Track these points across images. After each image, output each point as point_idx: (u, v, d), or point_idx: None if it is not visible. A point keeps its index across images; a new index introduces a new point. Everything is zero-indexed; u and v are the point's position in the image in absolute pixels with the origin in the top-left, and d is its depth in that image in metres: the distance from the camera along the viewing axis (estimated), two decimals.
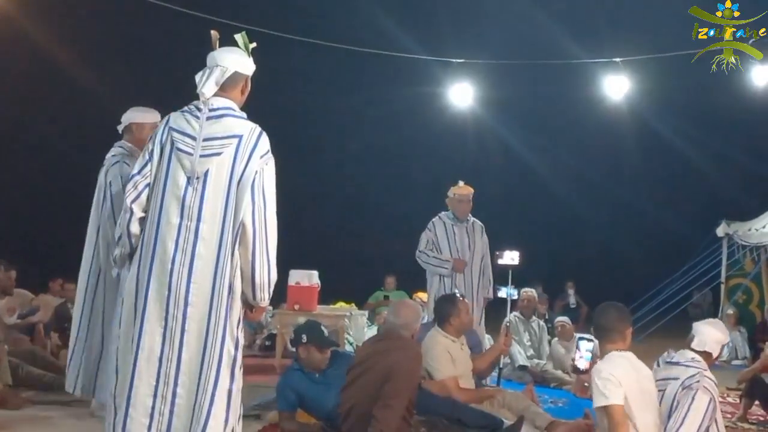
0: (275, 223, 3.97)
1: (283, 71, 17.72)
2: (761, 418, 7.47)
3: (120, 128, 6.10)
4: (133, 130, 6.02)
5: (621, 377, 4.28)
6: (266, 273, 3.93)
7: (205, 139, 3.92)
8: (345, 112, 20.24)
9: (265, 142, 3.98)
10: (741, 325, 12.71)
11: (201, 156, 3.90)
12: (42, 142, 17.66)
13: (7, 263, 7.97)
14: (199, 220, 3.86)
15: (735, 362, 11.78)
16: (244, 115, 4.07)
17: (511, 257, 7.60)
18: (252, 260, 3.88)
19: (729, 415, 7.35)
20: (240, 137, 3.93)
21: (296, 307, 9.09)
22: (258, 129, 4.00)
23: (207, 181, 3.88)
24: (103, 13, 15.85)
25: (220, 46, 4.13)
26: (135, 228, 3.97)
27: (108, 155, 5.98)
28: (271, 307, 11.60)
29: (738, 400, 7.87)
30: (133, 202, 3.95)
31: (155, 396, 3.80)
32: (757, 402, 7.50)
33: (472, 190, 8.26)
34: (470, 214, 8.26)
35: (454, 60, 11.92)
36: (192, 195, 3.88)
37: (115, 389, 3.89)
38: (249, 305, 4.03)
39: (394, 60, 13.48)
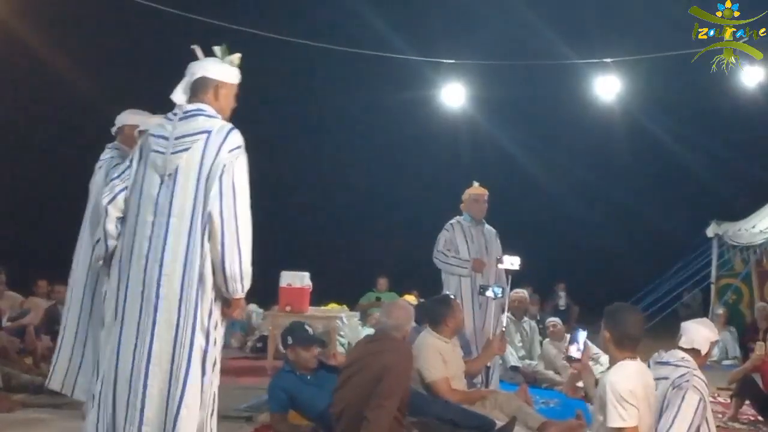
0: (247, 215, 4.00)
1: (274, 73, 17.72)
2: (752, 418, 7.51)
3: (113, 130, 6.11)
4: (125, 131, 6.03)
5: (637, 393, 4.22)
6: (237, 264, 3.94)
7: (176, 138, 4.03)
8: (336, 113, 20.23)
9: (235, 137, 4.04)
10: (731, 325, 12.73)
11: (172, 153, 4.01)
12: (30, 144, 17.58)
13: None
14: (169, 215, 3.95)
15: (725, 362, 11.82)
16: (218, 115, 4.14)
17: (511, 262, 7.57)
18: (222, 251, 3.92)
19: (720, 415, 7.38)
20: (209, 132, 4.01)
21: (288, 308, 9.09)
22: (229, 125, 4.08)
23: (177, 177, 3.98)
24: (100, 18, 15.81)
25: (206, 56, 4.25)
26: (111, 227, 4.10)
27: (104, 156, 5.96)
28: (261, 310, 11.64)
29: (729, 400, 7.90)
30: (108, 203, 4.11)
31: (129, 390, 3.87)
32: (747, 402, 7.54)
33: (486, 191, 8.19)
34: (485, 220, 8.22)
35: (445, 61, 11.94)
36: (165, 192, 3.99)
37: (93, 386, 4.07)
38: (226, 301, 4.06)
39: (385, 61, 13.49)
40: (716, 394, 8.42)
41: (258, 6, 16.68)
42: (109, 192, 4.13)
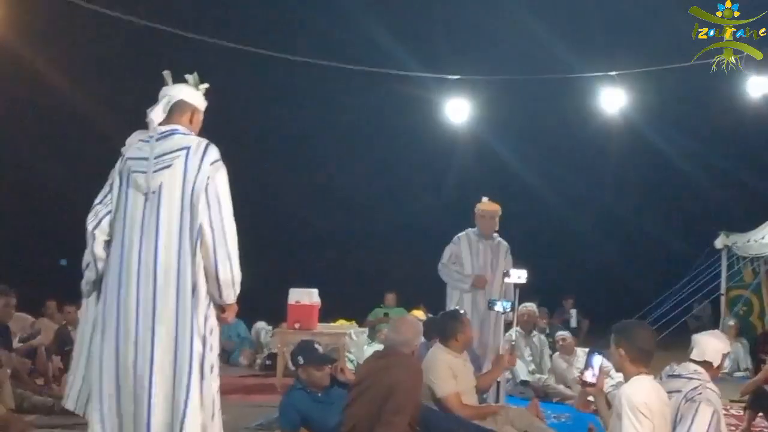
0: (233, 224, 4.18)
1: (277, 90, 17.80)
2: (765, 430, 7.47)
3: (124, 150, 6.08)
4: None
5: (652, 407, 4.21)
6: (229, 270, 4.13)
7: (156, 157, 4.18)
8: (341, 129, 20.28)
9: (213, 151, 4.21)
10: (742, 336, 12.69)
11: (153, 171, 4.16)
12: (33, 166, 17.67)
13: (6, 288, 7.92)
14: (157, 230, 4.09)
15: (737, 374, 11.77)
16: (192, 132, 4.35)
17: (518, 275, 7.56)
18: (214, 260, 4.10)
19: (733, 428, 7.35)
20: (188, 148, 4.17)
21: (297, 325, 9.09)
22: (205, 141, 4.25)
23: (161, 193, 4.12)
24: (100, 38, 15.88)
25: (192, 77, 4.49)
26: (99, 250, 4.23)
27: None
28: (270, 327, 11.64)
29: (742, 412, 7.86)
30: (94, 228, 4.24)
31: (135, 401, 4.01)
32: (760, 414, 7.50)
33: (497, 207, 8.16)
34: (497, 234, 8.17)
35: (450, 77, 11.95)
36: (150, 209, 4.13)
37: (92, 404, 4.16)
38: (220, 307, 4.23)
39: (390, 76, 13.53)
40: (729, 407, 8.38)
41: (252, 24, 16.75)
42: (93, 217, 4.25)
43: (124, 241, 4.13)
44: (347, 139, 20.22)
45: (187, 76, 4.48)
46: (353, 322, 11.10)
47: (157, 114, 4.32)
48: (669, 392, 4.58)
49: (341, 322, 10.88)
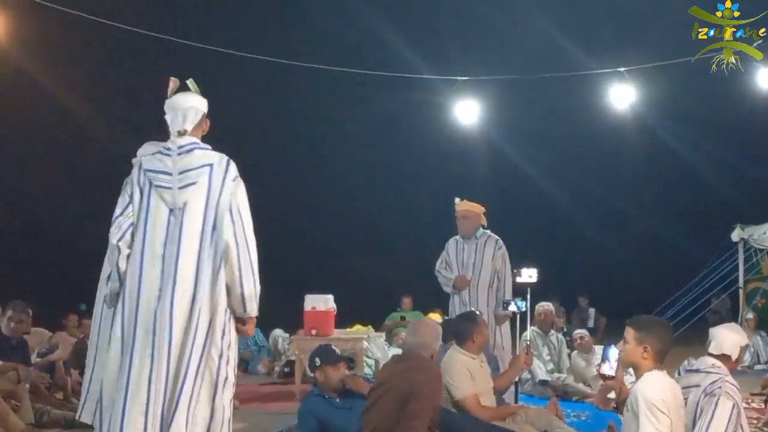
0: (254, 238, 4.31)
1: (286, 94, 17.83)
2: None
3: (136, 162, 6.06)
4: None
5: (668, 403, 4.20)
6: (252, 285, 4.26)
7: (180, 173, 4.28)
8: (351, 134, 20.29)
9: (233, 168, 4.33)
10: (762, 329, 12.62)
11: (179, 188, 4.25)
12: (44, 178, 17.76)
13: (23, 304, 7.94)
14: (179, 245, 4.19)
15: (757, 367, 11.72)
16: (209, 147, 4.44)
17: (528, 275, 7.55)
18: (239, 275, 4.22)
19: (754, 421, 7.29)
20: (211, 165, 4.29)
21: (313, 332, 9.09)
22: (226, 157, 4.36)
23: (186, 210, 4.24)
24: (104, 50, 15.97)
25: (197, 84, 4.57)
26: (123, 264, 4.27)
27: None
28: (287, 335, 11.64)
29: (763, 405, 7.81)
30: (119, 240, 4.27)
31: (146, 414, 4.04)
32: None
33: (467, 207, 8.14)
34: (486, 233, 8.18)
35: (458, 78, 11.94)
36: (174, 224, 4.23)
37: (101, 416, 4.23)
38: (240, 320, 4.34)
39: (399, 79, 13.55)
40: (749, 400, 8.32)
41: (259, 27, 16.81)
42: (117, 230, 4.28)
43: (145, 254, 4.20)
44: (358, 143, 20.22)
45: (189, 82, 4.54)
46: (369, 326, 11.09)
47: (190, 125, 4.41)
48: (688, 387, 4.57)
49: (357, 327, 10.86)
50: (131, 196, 4.33)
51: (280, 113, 18.80)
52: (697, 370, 4.69)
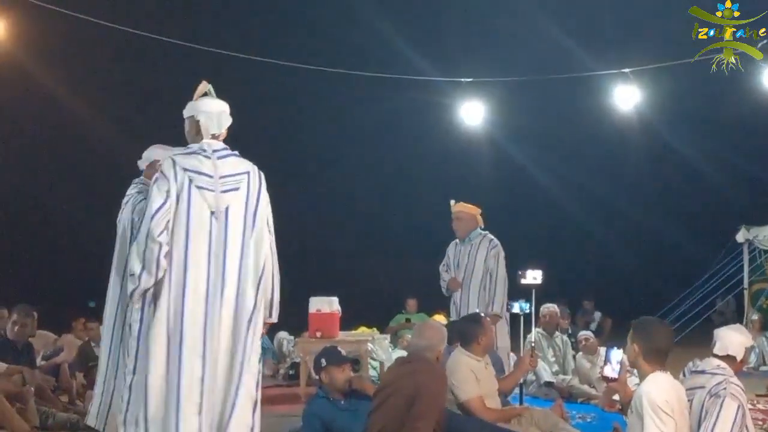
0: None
1: (291, 96, 17.84)
2: None
3: (142, 164, 6.02)
4: (156, 167, 5.85)
5: (672, 404, 4.21)
6: (278, 291, 4.55)
7: (221, 177, 4.38)
8: (355, 135, 20.28)
9: (263, 178, 4.55)
10: (767, 330, 12.59)
11: (221, 192, 4.36)
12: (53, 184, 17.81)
13: (28, 308, 7.94)
14: (225, 248, 4.31)
15: (762, 368, 11.68)
16: (237, 152, 4.57)
17: (533, 276, 7.55)
18: (272, 282, 4.50)
19: (760, 422, 7.28)
20: (248, 173, 4.47)
21: (318, 334, 9.08)
22: (255, 166, 4.55)
23: (228, 215, 4.35)
24: (112, 57, 16.00)
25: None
26: (164, 261, 4.28)
27: (130, 191, 5.86)
28: (292, 337, 11.64)
29: None
30: (159, 235, 4.25)
31: (200, 413, 4.18)
32: None
33: (458, 209, 8.16)
34: (483, 234, 8.15)
35: (463, 79, 11.94)
36: (217, 227, 4.33)
37: (147, 413, 4.20)
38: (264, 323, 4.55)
39: (403, 81, 13.56)
40: (755, 401, 8.31)
41: (264, 31, 16.83)
42: (158, 225, 4.26)
43: (189, 252, 4.28)
44: (362, 145, 20.23)
45: (209, 87, 4.62)
46: (374, 329, 11.09)
47: (224, 131, 4.56)
48: (693, 388, 4.57)
49: (362, 329, 10.86)
50: (169, 193, 4.31)
51: (285, 115, 18.81)
52: (702, 372, 4.69)
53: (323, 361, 5.99)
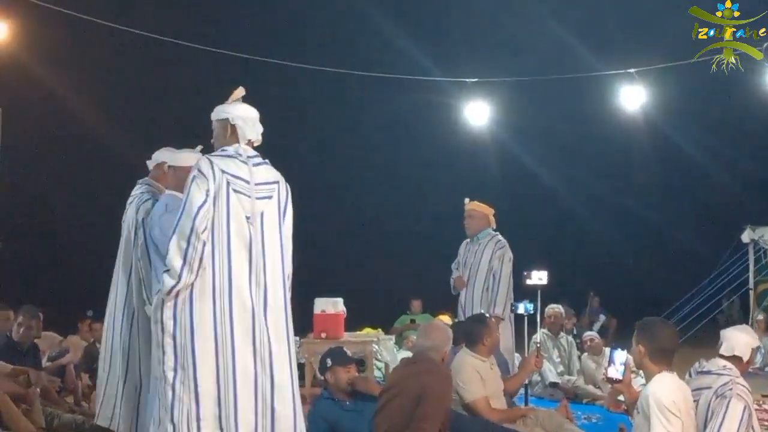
0: None
1: (297, 97, 17.85)
2: None
3: (150, 165, 5.98)
4: (165, 170, 5.84)
5: (679, 405, 4.21)
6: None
7: (256, 184, 4.45)
8: (361, 136, 20.30)
9: (289, 189, 4.67)
10: None
11: (257, 198, 4.44)
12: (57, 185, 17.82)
13: (33, 309, 7.93)
14: (263, 254, 4.41)
15: None
16: (268, 161, 4.65)
17: (539, 277, 7.53)
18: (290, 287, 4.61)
19: (766, 423, 7.25)
20: (278, 183, 4.58)
21: (323, 335, 9.07)
22: (283, 177, 4.65)
23: (264, 220, 4.45)
24: (114, 57, 16.01)
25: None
26: (206, 259, 4.33)
27: (135, 191, 5.81)
28: (297, 338, 11.63)
29: None
30: (203, 232, 4.28)
31: (256, 413, 4.29)
32: None
33: (474, 207, 8.12)
34: (491, 234, 8.13)
35: (468, 80, 11.93)
36: (253, 232, 4.41)
37: (200, 411, 4.25)
38: None
39: (408, 81, 13.56)
40: (761, 402, 8.29)
41: (268, 34, 16.84)
42: (205, 223, 4.29)
43: (231, 253, 4.34)
44: (367, 145, 20.25)
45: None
46: (379, 330, 11.07)
47: (259, 138, 4.62)
48: (699, 389, 4.56)
49: (367, 330, 10.84)
50: (207, 193, 4.32)
51: (291, 116, 18.81)
52: (708, 372, 4.68)
53: (329, 362, 5.98)
